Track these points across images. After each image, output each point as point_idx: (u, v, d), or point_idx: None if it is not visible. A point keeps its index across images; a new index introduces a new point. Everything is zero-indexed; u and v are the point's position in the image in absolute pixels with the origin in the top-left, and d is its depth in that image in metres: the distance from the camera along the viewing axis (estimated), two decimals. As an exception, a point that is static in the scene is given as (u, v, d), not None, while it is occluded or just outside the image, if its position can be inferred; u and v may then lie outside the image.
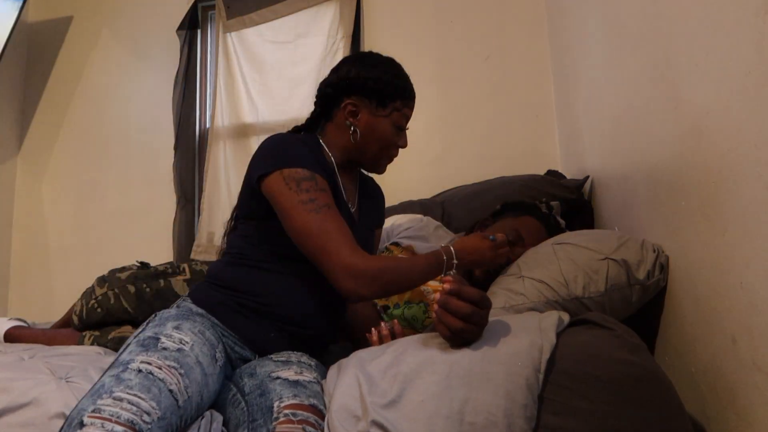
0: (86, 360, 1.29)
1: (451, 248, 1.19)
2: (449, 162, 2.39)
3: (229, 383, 1.09)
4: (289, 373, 1.04)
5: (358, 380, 0.93)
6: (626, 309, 1.21)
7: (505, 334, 0.95)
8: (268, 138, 1.22)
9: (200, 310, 1.15)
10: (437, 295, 0.95)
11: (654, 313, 1.27)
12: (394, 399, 0.88)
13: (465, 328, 0.92)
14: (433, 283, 1.41)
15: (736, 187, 0.91)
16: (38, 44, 3.12)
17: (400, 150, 1.34)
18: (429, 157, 2.40)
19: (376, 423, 0.85)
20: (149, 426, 0.82)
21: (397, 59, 1.37)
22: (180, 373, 0.94)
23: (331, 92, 1.29)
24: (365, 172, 1.42)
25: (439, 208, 1.93)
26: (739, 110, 0.89)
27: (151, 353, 0.95)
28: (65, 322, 1.74)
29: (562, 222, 1.63)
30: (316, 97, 1.34)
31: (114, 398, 0.84)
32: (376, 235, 1.44)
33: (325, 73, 1.36)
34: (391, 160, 1.34)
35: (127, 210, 2.86)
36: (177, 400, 0.90)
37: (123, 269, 1.66)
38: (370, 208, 1.40)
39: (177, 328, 1.04)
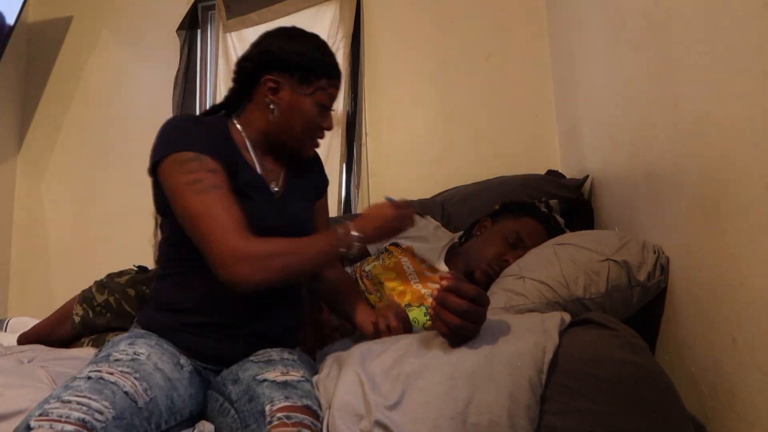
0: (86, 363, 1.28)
1: (348, 222, 1.12)
2: (449, 162, 2.39)
3: (214, 393, 1.05)
4: (276, 374, 0.99)
5: (360, 379, 0.93)
6: (627, 310, 1.21)
7: (508, 335, 0.95)
8: (164, 123, 1.13)
9: (149, 333, 1.09)
10: (434, 292, 0.95)
11: (654, 312, 1.27)
12: (397, 400, 0.88)
13: (463, 325, 0.92)
14: (433, 285, 1.40)
15: (736, 187, 0.91)
16: (38, 44, 3.12)
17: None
18: (429, 157, 2.40)
19: (379, 423, 0.85)
20: (103, 424, 0.78)
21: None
22: (135, 377, 0.90)
23: (250, 67, 1.20)
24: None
25: (439, 208, 1.93)
26: (739, 110, 0.89)
27: (101, 365, 0.91)
28: (59, 320, 1.71)
29: (561, 221, 1.63)
30: (234, 73, 1.24)
31: (62, 401, 0.79)
32: (318, 207, 1.35)
33: None
34: (315, 142, 1.25)
35: (127, 210, 2.86)
36: (135, 402, 0.86)
37: (121, 274, 1.65)
38: (305, 182, 1.30)
39: (131, 344, 1.00)
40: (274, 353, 1.09)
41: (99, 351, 1.04)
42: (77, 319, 1.60)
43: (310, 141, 1.24)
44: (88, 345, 1.55)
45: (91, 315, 1.58)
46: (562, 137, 2.27)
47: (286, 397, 0.92)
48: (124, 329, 1.56)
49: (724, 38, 0.92)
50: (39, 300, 2.85)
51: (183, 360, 1.05)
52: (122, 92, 2.97)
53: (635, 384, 0.87)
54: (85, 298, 1.62)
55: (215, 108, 1.28)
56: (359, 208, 2.38)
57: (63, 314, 1.67)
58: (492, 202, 1.69)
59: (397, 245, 1.55)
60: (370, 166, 2.41)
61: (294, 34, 1.23)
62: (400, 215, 1.20)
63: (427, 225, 1.62)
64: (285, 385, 0.96)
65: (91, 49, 3.04)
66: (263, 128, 1.20)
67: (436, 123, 2.43)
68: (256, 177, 1.18)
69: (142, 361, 0.95)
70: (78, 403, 0.79)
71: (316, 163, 1.38)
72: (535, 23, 2.40)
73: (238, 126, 1.21)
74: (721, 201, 0.96)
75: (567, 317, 1.00)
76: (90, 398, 0.81)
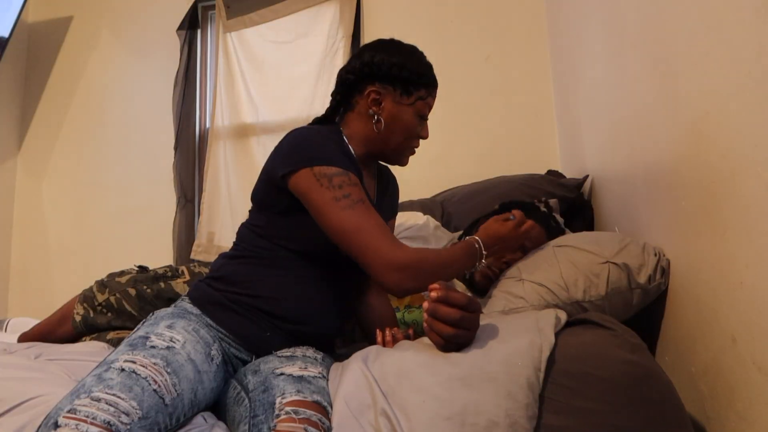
0: (95, 356, 1.28)
1: (478, 238, 1.18)
2: (449, 162, 2.39)
3: (233, 381, 1.07)
4: (294, 369, 1.01)
5: (364, 373, 0.94)
6: (626, 312, 1.21)
7: (504, 335, 0.95)
8: (292, 133, 1.18)
9: (196, 310, 1.13)
10: (425, 304, 0.94)
11: (654, 312, 1.27)
12: (396, 399, 0.88)
13: (456, 334, 0.92)
14: (434, 286, 1.40)
15: (736, 187, 0.91)
16: (38, 44, 3.12)
17: None
18: (429, 157, 2.39)
19: (385, 413, 0.86)
20: (128, 427, 0.80)
21: None
22: (167, 371, 0.92)
23: (353, 79, 1.24)
24: (382, 163, 1.38)
25: (439, 207, 1.93)
26: (739, 110, 0.89)
27: (137, 351, 0.93)
28: (60, 320, 1.71)
29: (561, 220, 1.63)
30: (337, 84, 1.28)
31: (92, 398, 0.81)
32: (390, 227, 1.41)
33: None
34: (413, 151, 1.30)
35: (127, 210, 2.86)
36: (163, 399, 0.88)
37: (122, 273, 1.66)
38: (387, 199, 1.37)
39: (170, 327, 1.03)
40: (299, 350, 1.11)
41: (140, 325, 1.06)
42: (78, 318, 1.60)
43: (408, 150, 1.28)
44: (89, 342, 1.55)
45: (91, 314, 1.58)
46: (562, 137, 2.27)
47: (298, 391, 0.93)
48: (125, 328, 1.57)
49: (724, 38, 0.92)
50: (39, 300, 2.85)
51: (214, 350, 1.07)
52: (122, 92, 2.98)
53: (634, 383, 0.87)
54: (86, 297, 1.62)
55: (318, 120, 1.32)
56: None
57: (63, 314, 1.67)
58: (491, 202, 1.69)
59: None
60: (370, 166, 2.41)
61: (394, 46, 1.26)
62: (519, 236, 1.24)
63: (427, 224, 1.62)
64: (300, 379, 0.97)
65: (91, 49, 3.04)
66: (366, 139, 1.24)
67: (436, 123, 2.42)
68: (367, 193, 1.21)
69: (176, 350, 0.97)
70: (107, 402, 0.81)
71: (394, 182, 1.45)
72: (535, 23, 2.41)
73: (345, 138, 1.25)
74: (721, 201, 0.96)
75: (563, 315, 1.00)
76: (119, 397, 0.83)
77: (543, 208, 1.60)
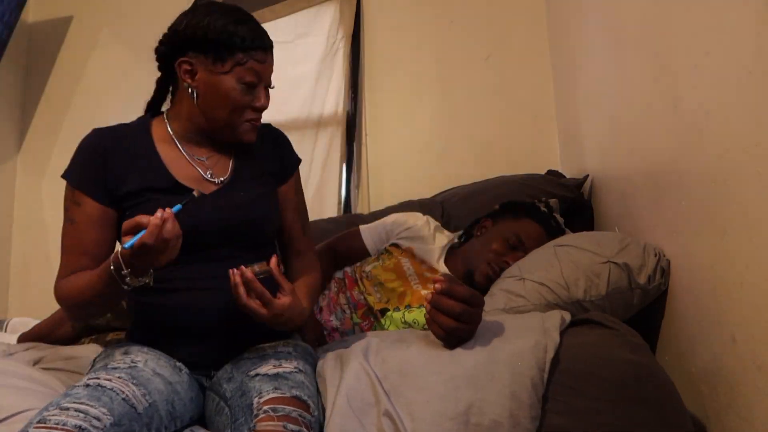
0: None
1: (118, 254, 0.93)
2: (449, 162, 2.38)
3: (211, 393, 1.04)
4: (268, 368, 0.97)
5: (366, 370, 0.93)
6: (627, 312, 1.21)
7: (509, 335, 0.95)
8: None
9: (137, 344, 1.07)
10: (429, 295, 0.95)
11: (654, 312, 1.27)
12: (399, 399, 0.88)
13: (458, 327, 0.92)
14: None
15: (736, 187, 0.91)
16: (38, 44, 3.12)
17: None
18: (429, 157, 2.40)
19: (388, 414, 0.85)
20: (100, 431, 0.79)
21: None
22: (133, 383, 0.89)
23: (164, 50, 1.11)
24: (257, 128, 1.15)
25: (439, 207, 1.93)
26: (739, 110, 0.89)
27: (99, 373, 0.91)
28: (59, 321, 1.70)
29: (561, 220, 1.62)
30: (156, 59, 1.15)
31: (60, 408, 0.80)
32: (283, 193, 1.20)
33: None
34: (252, 125, 1.10)
35: (127, 210, 2.86)
36: (134, 407, 0.86)
37: None
38: (256, 167, 1.16)
39: (125, 353, 1.01)
40: (268, 347, 1.06)
41: (94, 361, 1.04)
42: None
43: (243, 124, 1.09)
44: (87, 343, 1.55)
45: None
46: (562, 137, 2.27)
47: (276, 388, 0.90)
48: (125, 329, 1.56)
49: (724, 38, 0.92)
50: (39, 300, 2.84)
51: (179, 363, 1.04)
52: (122, 92, 2.97)
53: (636, 383, 0.87)
54: None
55: (149, 104, 1.22)
56: (359, 208, 2.37)
57: (63, 315, 1.67)
58: (492, 202, 1.69)
59: (397, 246, 1.55)
60: (370, 166, 2.40)
61: (207, 7, 1.09)
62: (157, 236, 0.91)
63: (427, 224, 1.62)
64: (276, 377, 0.94)
65: (91, 49, 3.04)
66: (190, 117, 1.11)
67: (436, 123, 2.42)
68: (171, 177, 1.08)
69: (139, 368, 0.95)
70: (76, 410, 0.80)
71: (278, 143, 1.23)
72: (535, 23, 2.40)
73: (166, 121, 1.14)
74: (721, 201, 0.96)
75: (567, 316, 1.01)
76: (88, 405, 0.81)
77: (543, 208, 1.60)
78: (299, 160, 1.26)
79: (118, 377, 0.89)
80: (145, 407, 0.88)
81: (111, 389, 0.86)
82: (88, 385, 0.86)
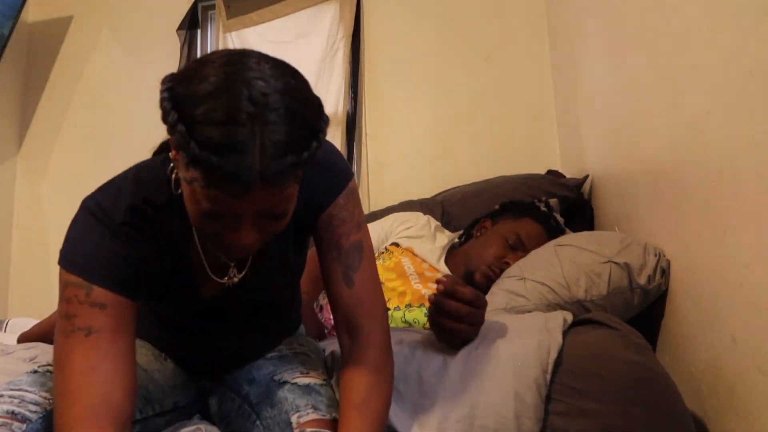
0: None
1: None
2: (449, 162, 2.38)
3: (228, 392, 0.98)
4: (295, 375, 0.91)
5: None
6: (627, 312, 1.21)
7: (512, 335, 0.94)
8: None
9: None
10: (431, 296, 0.94)
11: (654, 312, 1.27)
12: (402, 401, 0.88)
13: (461, 329, 0.91)
14: (434, 286, 1.40)
15: (736, 187, 0.91)
16: (38, 44, 3.12)
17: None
18: (429, 157, 2.40)
19: (391, 421, 0.85)
20: (39, 415, 0.76)
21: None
22: None
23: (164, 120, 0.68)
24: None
25: (439, 207, 1.93)
26: (739, 110, 0.89)
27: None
28: (54, 325, 1.70)
29: (561, 220, 1.62)
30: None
31: None
32: (321, 226, 0.86)
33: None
34: (227, 252, 0.80)
35: (127, 210, 2.85)
36: None
37: None
38: (279, 241, 0.84)
39: None
40: (284, 347, 1.01)
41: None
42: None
43: (216, 245, 0.77)
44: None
45: None
46: (562, 137, 2.27)
47: (314, 408, 0.85)
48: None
49: (724, 38, 0.92)
50: (39, 300, 2.84)
51: (165, 354, 1.00)
52: (122, 92, 2.97)
53: (639, 384, 0.87)
54: None
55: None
56: (359, 208, 2.37)
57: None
58: (492, 202, 1.69)
59: (397, 245, 1.55)
60: (370, 166, 2.41)
61: (200, 82, 0.65)
62: None
63: (428, 224, 1.62)
64: (309, 390, 0.88)
65: (91, 49, 3.04)
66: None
67: (436, 123, 2.42)
68: (193, 277, 0.87)
69: None
70: (10, 396, 0.78)
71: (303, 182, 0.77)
72: (535, 23, 2.40)
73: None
74: (721, 201, 0.96)
75: (569, 317, 1.00)
76: (26, 390, 0.79)
77: (543, 208, 1.60)
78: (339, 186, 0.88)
79: None
80: None
81: None
82: (35, 372, 0.85)
